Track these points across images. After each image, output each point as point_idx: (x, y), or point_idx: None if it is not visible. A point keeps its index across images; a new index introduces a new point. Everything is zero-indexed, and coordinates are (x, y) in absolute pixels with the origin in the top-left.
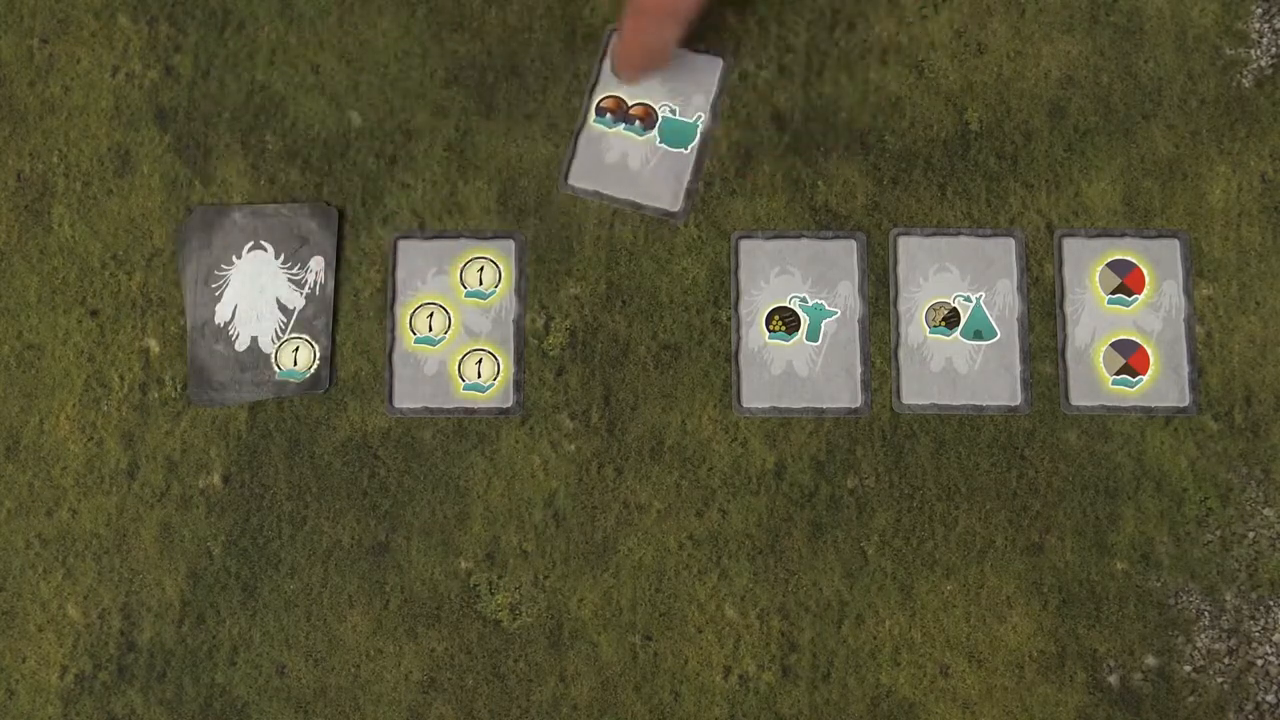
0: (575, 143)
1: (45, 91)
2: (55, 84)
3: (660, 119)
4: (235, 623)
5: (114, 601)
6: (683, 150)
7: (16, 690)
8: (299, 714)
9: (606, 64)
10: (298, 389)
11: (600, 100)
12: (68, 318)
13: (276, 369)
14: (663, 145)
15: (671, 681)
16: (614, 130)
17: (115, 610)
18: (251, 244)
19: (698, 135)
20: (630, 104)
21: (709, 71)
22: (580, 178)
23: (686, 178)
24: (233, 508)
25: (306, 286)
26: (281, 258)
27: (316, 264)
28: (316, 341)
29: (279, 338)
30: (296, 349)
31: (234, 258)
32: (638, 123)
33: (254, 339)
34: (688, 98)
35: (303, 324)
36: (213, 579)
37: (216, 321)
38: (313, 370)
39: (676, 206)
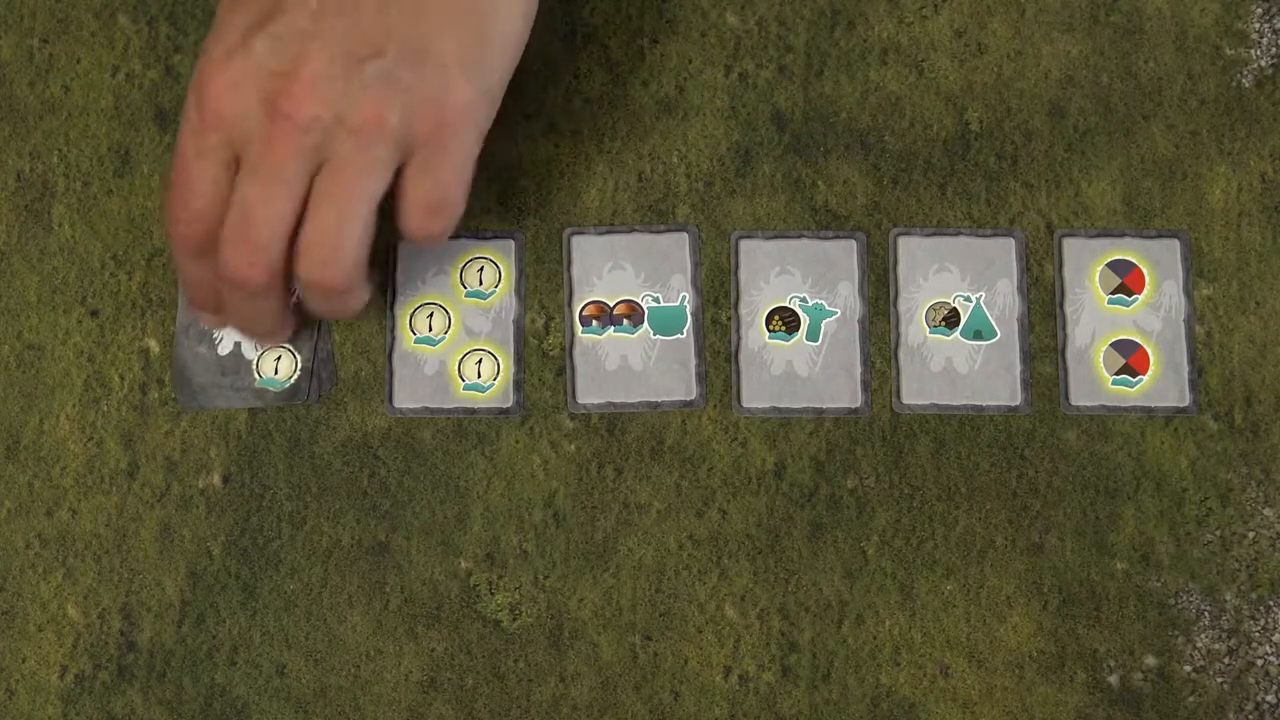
0: (572, 356)
1: (45, 91)
2: (55, 84)
3: (646, 311)
4: (235, 623)
5: (114, 601)
6: (679, 336)
7: (16, 690)
8: (299, 714)
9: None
10: (276, 398)
11: (582, 309)
12: (68, 318)
13: (256, 376)
14: (658, 337)
15: (671, 681)
16: (605, 335)
17: (115, 610)
18: None
19: (688, 317)
20: (613, 305)
21: (678, 248)
22: (588, 394)
23: (693, 363)
24: (233, 508)
25: (295, 295)
26: None
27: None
28: (299, 352)
29: (262, 346)
30: (278, 358)
31: None
32: (625, 321)
33: (237, 344)
34: (666, 281)
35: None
36: (213, 579)
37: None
38: (292, 381)
39: (693, 395)
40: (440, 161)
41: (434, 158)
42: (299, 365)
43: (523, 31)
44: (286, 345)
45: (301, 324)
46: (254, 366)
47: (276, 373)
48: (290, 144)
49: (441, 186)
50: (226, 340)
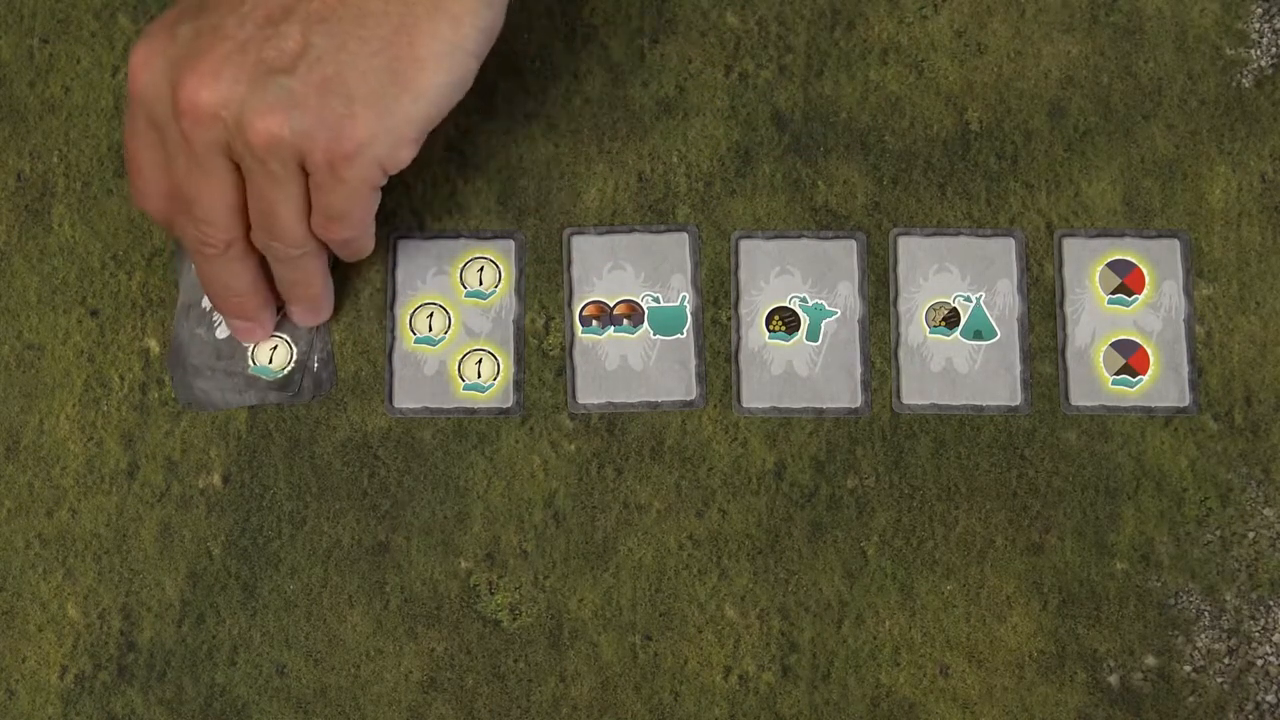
0: (572, 356)
1: (45, 91)
2: (55, 84)
3: (646, 311)
4: (235, 623)
5: (114, 601)
6: (679, 336)
7: (16, 690)
8: (299, 714)
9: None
10: (268, 387)
11: (582, 309)
12: (68, 318)
13: (251, 363)
14: (658, 336)
15: (671, 681)
16: (605, 335)
17: (115, 610)
18: None
19: (688, 317)
20: (613, 305)
21: (678, 248)
22: (588, 394)
23: (693, 363)
24: (233, 508)
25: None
26: None
27: None
28: (295, 343)
29: (246, 340)
30: (274, 347)
31: None
32: (625, 321)
33: None
34: (666, 281)
35: (285, 323)
36: (213, 579)
37: (203, 305)
38: (286, 371)
39: (693, 395)
40: (333, 186)
41: (327, 182)
42: (294, 357)
43: (451, 85)
44: (283, 335)
45: (274, 323)
46: (249, 353)
47: (271, 361)
48: (197, 133)
49: (336, 208)
50: (224, 325)
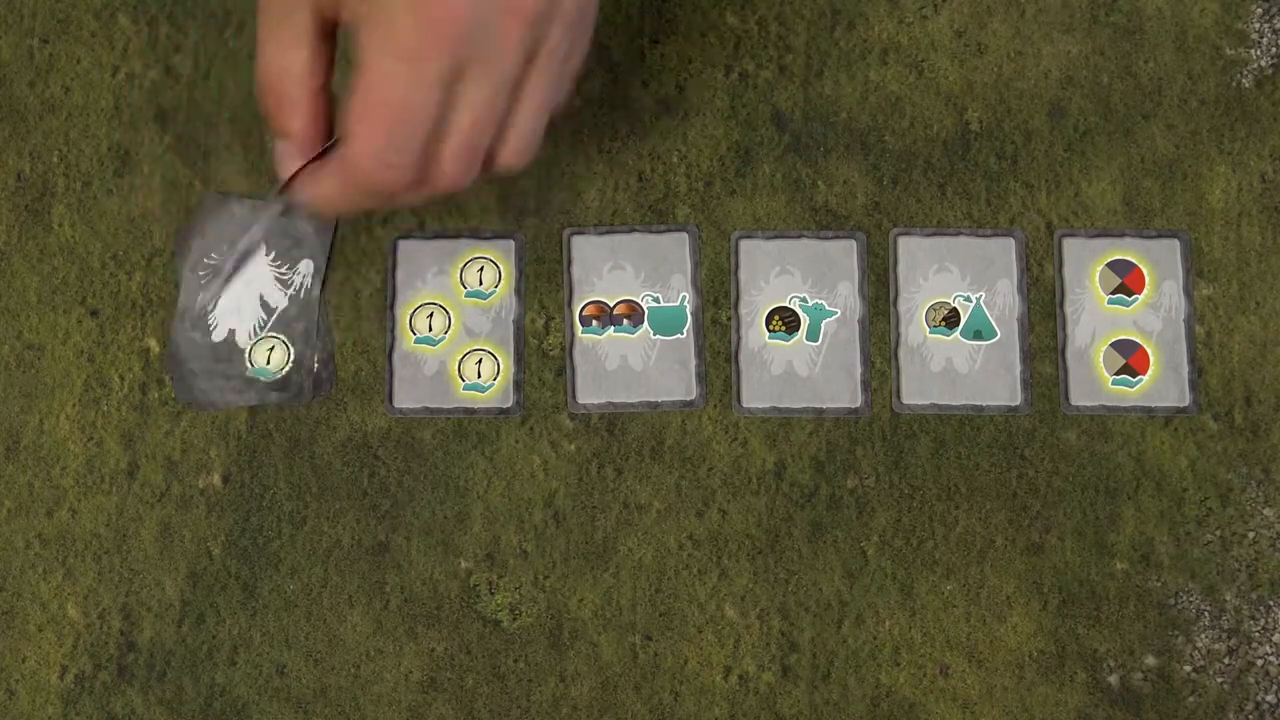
0: (572, 356)
1: (45, 91)
2: (55, 84)
3: (646, 311)
4: (235, 623)
5: (114, 601)
6: (679, 336)
7: (16, 690)
8: (299, 714)
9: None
10: (266, 389)
11: (582, 309)
12: (68, 318)
13: (249, 365)
14: (658, 336)
15: (671, 681)
16: (605, 335)
17: (115, 610)
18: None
19: (688, 317)
20: (613, 305)
21: (678, 248)
22: (588, 394)
23: (693, 363)
24: (233, 508)
25: (292, 287)
26: (272, 255)
27: (305, 267)
28: (292, 344)
29: (256, 334)
30: (271, 348)
31: (224, 247)
32: (625, 321)
33: (231, 331)
34: (666, 281)
35: (283, 324)
36: (213, 579)
37: (199, 308)
38: (283, 373)
39: (693, 395)
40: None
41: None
42: (291, 357)
43: None
44: (280, 336)
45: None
46: (246, 355)
47: (269, 362)
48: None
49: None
50: (221, 327)
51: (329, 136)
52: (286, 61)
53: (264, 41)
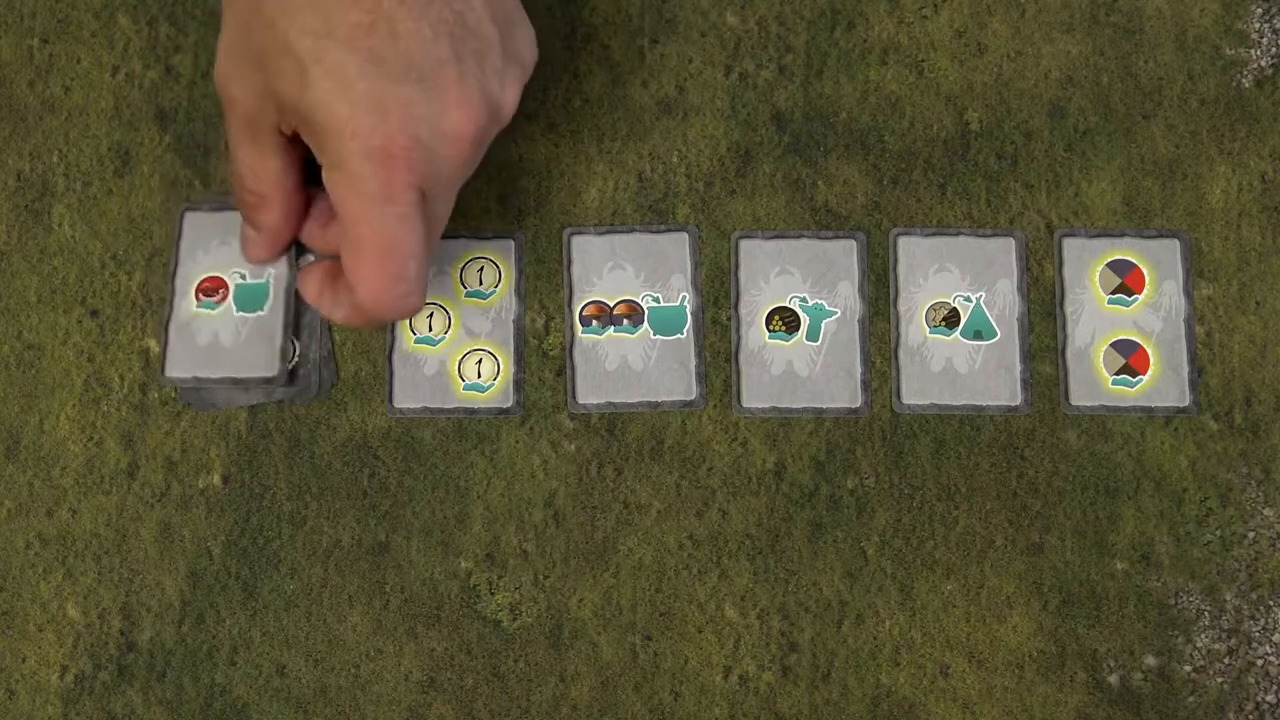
0: (572, 356)
1: (45, 91)
2: (55, 84)
3: (646, 311)
4: (235, 623)
5: (114, 601)
6: (680, 336)
7: (16, 690)
8: (299, 714)
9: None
10: (272, 384)
11: (582, 309)
12: (68, 318)
13: None
14: (658, 336)
15: (671, 681)
16: (605, 335)
17: (115, 610)
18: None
19: (688, 318)
20: (613, 305)
21: (678, 248)
22: (588, 394)
23: (693, 363)
24: (233, 508)
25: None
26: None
27: (307, 259)
28: (298, 337)
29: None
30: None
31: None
32: (625, 321)
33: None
34: (666, 281)
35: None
36: (213, 579)
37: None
38: (290, 365)
39: (693, 395)
40: None
41: None
42: (297, 350)
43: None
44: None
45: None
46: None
47: None
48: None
49: None
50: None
51: (299, 227)
52: (260, 167)
53: (237, 146)
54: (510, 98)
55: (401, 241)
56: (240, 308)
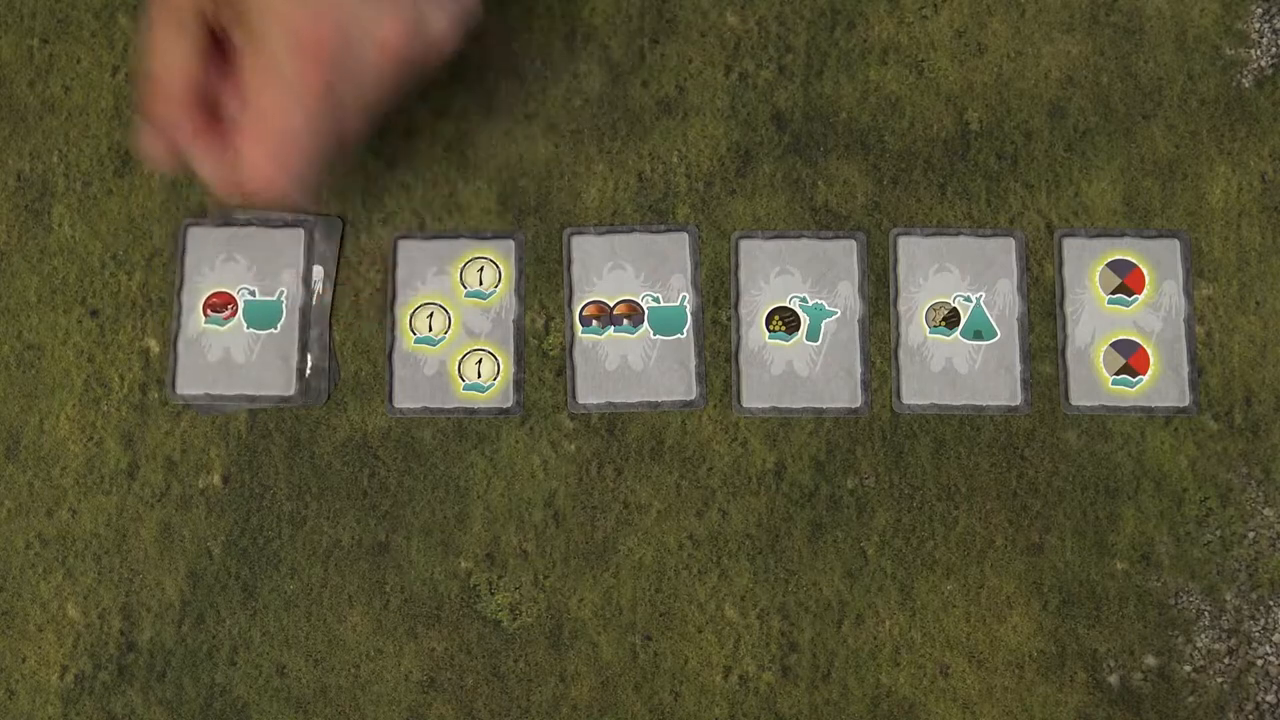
0: (572, 356)
1: (45, 91)
2: (55, 84)
3: (646, 311)
4: (235, 623)
5: (114, 601)
6: (679, 336)
7: (16, 690)
8: (299, 714)
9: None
10: (273, 399)
11: (582, 309)
12: (68, 318)
13: None
14: (658, 336)
15: (671, 681)
16: (605, 335)
17: (115, 610)
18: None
19: (688, 318)
20: (613, 305)
21: (678, 248)
22: (588, 394)
23: (693, 362)
24: (233, 508)
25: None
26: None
27: (317, 273)
28: (309, 349)
29: None
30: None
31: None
32: (625, 321)
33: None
34: (666, 281)
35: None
36: (213, 579)
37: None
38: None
39: (693, 394)
40: None
41: None
42: (310, 362)
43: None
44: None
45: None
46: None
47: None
48: None
49: None
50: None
51: (194, 125)
52: (173, 52)
53: (156, 27)
54: (445, 29)
55: (298, 132)
56: (251, 324)
